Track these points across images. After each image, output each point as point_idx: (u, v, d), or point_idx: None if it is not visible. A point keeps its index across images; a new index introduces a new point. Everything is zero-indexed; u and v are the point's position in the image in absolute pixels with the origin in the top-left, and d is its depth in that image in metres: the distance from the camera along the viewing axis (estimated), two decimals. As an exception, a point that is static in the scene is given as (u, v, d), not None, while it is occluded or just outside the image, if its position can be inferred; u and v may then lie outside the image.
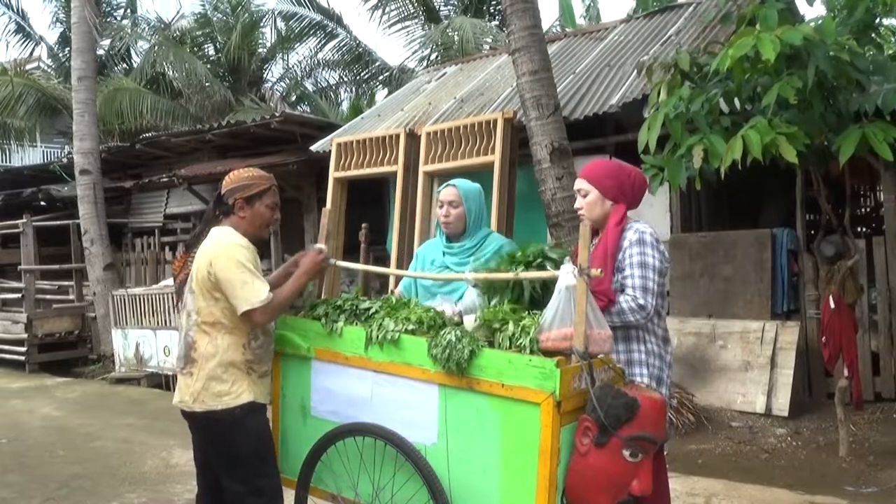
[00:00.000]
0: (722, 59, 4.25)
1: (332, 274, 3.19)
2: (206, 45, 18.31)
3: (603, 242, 2.73)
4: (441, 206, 3.32)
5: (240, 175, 2.82)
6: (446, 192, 3.32)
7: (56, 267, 11.51)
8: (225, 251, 2.67)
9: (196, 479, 2.92)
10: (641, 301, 2.60)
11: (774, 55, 3.92)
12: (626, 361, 2.69)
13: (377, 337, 2.63)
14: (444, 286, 3.19)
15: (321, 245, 2.89)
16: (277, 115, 10.21)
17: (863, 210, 10.03)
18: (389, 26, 16.60)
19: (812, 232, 7.04)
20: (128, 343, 9.30)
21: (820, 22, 4.42)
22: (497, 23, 15.15)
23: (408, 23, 16.54)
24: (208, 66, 17.13)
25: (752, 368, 6.25)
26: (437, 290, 3.20)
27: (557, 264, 2.49)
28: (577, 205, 2.87)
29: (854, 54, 4.17)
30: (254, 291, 2.63)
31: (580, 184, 2.84)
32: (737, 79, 4.46)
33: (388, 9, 16.41)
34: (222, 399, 2.66)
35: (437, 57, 15.47)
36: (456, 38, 14.34)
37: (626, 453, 2.27)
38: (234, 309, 2.65)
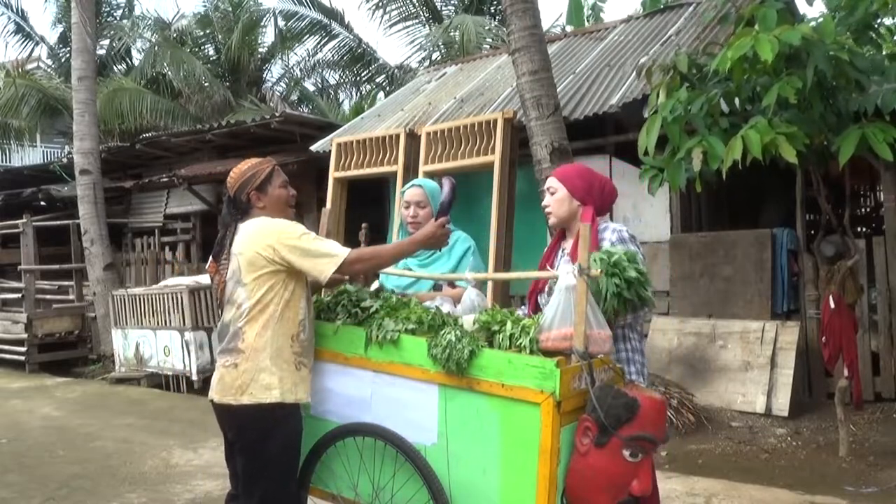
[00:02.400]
0: (721, 60, 4.25)
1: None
2: (206, 45, 18.32)
3: (577, 244, 2.70)
4: (407, 207, 3.30)
5: (241, 171, 2.78)
6: (412, 193, 3.31)
7: (56, 267, 11.51)
8: (282, 228, 2.64)
9: (230, 479, 2.86)
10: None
11: (772, 56, 3.91)
12: (614, 361, 2.67)
13: (377, 337, 2.63)
14: (411, 286, 3.23)
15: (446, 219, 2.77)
16: (277, 115, 10.21)
17: (863, 210, 10.05)
18: (390, 26, 16.62)
19: (812, 232, 7.04)
20: (128, 343, 9.30)
21: (819, 21, 4.41)
22: (497, 23, 15.16)
23: (409, 22, 16.55)
24: (208, 66, 17.14)
25: (752, 368, 6.25)
26: (404, 289, 3.21)
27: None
28: (544, 202, 2.88)
29: (853, 54, 4.17)
30: (330, 248, 2.61)
31: (550, 182, 2.87)
32: (737, 79, 4.45)
33: (388, 8, 16.42)
34: (272, 392, 2.60)
35: (438, 56, 15.47)
36: (457, 36, 14.34)
37: (626, 453, 2.27)
38: (285, 297, 2.62)
